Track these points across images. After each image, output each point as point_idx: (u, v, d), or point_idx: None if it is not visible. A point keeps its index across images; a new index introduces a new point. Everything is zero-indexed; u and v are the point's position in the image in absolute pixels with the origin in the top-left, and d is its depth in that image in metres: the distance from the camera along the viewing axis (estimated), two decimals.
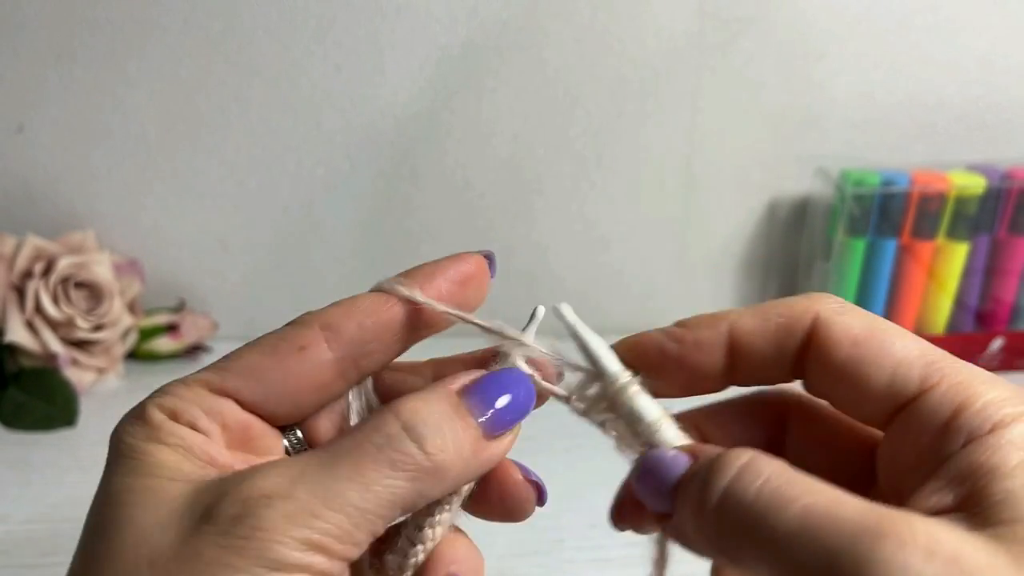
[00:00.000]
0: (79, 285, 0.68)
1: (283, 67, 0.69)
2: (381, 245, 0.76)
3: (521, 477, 0.27)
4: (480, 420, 0.25)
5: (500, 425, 0.25)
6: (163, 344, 0.73)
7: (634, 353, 0.28)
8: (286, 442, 0.28)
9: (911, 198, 0.69)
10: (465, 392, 0.25)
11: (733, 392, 0.29)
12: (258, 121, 0.71)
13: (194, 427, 0.25)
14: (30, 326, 0.67)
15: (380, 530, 0.23)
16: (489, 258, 0.29)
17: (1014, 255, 0.72)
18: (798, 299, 0.26)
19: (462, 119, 0.72)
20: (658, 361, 0.27)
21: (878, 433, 0.26)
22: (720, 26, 0.70)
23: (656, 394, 0.27)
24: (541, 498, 0.28)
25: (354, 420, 0.28)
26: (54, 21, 0.67)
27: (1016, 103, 0.75)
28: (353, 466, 0.23)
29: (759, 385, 0.27)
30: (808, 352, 0.25)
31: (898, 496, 0.23)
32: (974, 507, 0.21)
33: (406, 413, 0.24)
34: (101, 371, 0.70)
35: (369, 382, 0.29)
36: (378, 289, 0.27)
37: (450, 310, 0.27)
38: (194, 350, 0.74)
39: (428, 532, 0.26)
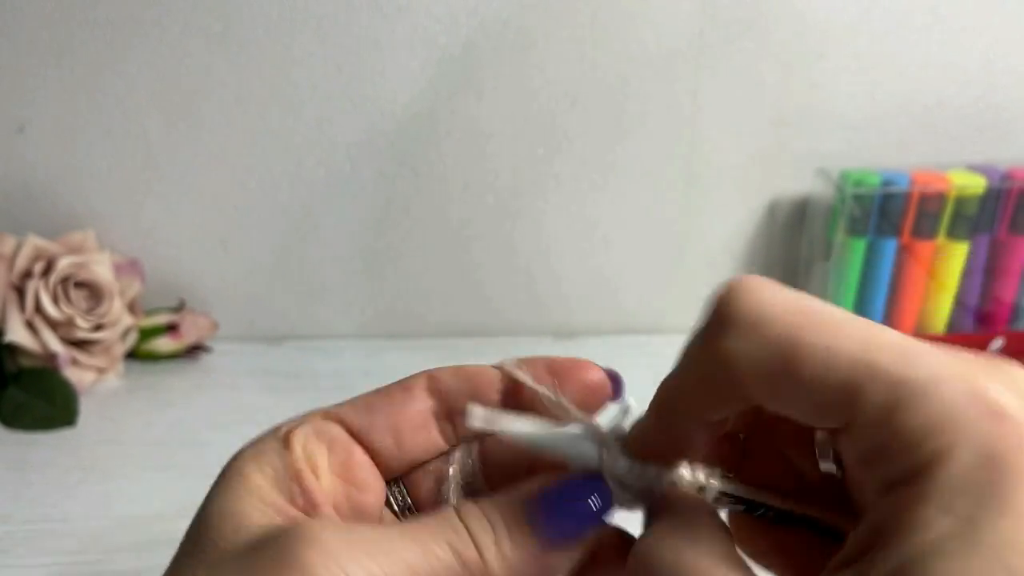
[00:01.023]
0: (79, 285, 0.68)
1: (283, 67, 0.69)
2: (381, 245, 0.76)
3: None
4: (542, 533, 0.24)
5: (565, 537, 0.25)
6: (163, 344, 0.73)
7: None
8: (390, 495, 0.28)
9: (911, 198, 0.69)
10: (533, 500, 0.25)
11: None
12: (258, 121, 0.71)
13: (304, 449, 0.26)
14: (30, 326, 0.67)
15: None
16: (614, 379, 0.28)
17: (1014, 255, 0.72)
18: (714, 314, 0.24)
19: (462, 119, 0.72)
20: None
21: None
22: (720, 26, 0.70)
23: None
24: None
25: (454, 482, 0.28)
26: (54, 21, 0.67)
27: (1016, 103, 0.75)
28: (419, 535, 0.23)
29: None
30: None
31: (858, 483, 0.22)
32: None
33: (469, 519, 0.24)
34: (101, 371, 0.70)
35: (475, 450, 0.29)
36: (496, 366, 0.28)
37: (549, 392, 0.27)
38: (194, 350, 0.74)
39: None
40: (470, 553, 0.24)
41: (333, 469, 0.26)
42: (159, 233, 0.75)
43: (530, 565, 0.24)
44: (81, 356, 0.69)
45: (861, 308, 0.73)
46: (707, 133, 0.74)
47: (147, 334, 0.73)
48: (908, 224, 0.70)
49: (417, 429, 0.28)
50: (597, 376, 0.28)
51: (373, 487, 0.27)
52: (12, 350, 0.67)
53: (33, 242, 0.68)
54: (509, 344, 0.78)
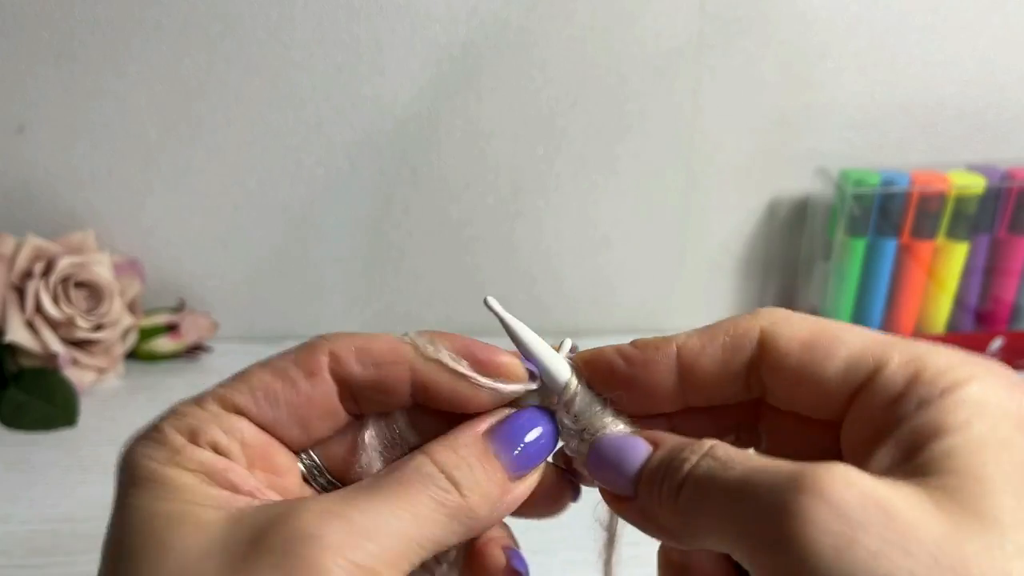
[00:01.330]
0: (79, 285, 0.68)
1: (283, 67, 0.69)
2: (381, 245, 0.76)
3: (504, 562, 0.28)
4: (505, 462, 0.26)
5: (524, 465, 0.27)
6: (163, 344, 0.73)
7: (589, 368, 0.28)
8: (301, 465, 0.28)
9: (911, 198, 0.69)
10: (491, 434, 0.26)
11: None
12: (258, 121, 0.71)
13: (215, 447, 0.25)
14: (30, 326, 0.67)
15: (417, 563, 0.24)
16: (532, 375, 0.28)
17: (1014, 255, 0.72)
18: (744, 316, 0.27)
19: (462, 119, 0.72)
20: (610, 379, 0.27)
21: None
22: (720, 26, 0.70)
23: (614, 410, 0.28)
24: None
25: (372, 451, 0.28)
26: (54, 21, 0.67)
27: (1016, 103, 0.75)
28: (403, 497, 0.24)
29: (716, 404, 0.27)
30: (761, 365, 0.26)
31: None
32: (915, 462, 0.21)
33: (441, 458, 0.25)
34: (101, 371, 0.70)
35: (404, 419, 0.28)
36: (404, 338, 0.27)
37: (460, 368, 0.27)
38: (194, 350, 0.74)
39: None
40: (453, 499, 0.24)
41: (250, 464, 0.25)
42: (159, 233, 0.75)
43: (502, 496, 0.26)
44: (81, 356, 0.69)
45: (861, 308, 0.73)
46: (707, 133, 0.74)
47: (147, 334, 0.73)
48: (908, 224, 0.70)
49: (324, 416, 0.27)
50: (509, 362, 0.28)
51: (290, 468, 0.27)
52: (12, 350, 0.67)
53: (33, 242, 0.68)
54: (509, 344, 0.77)
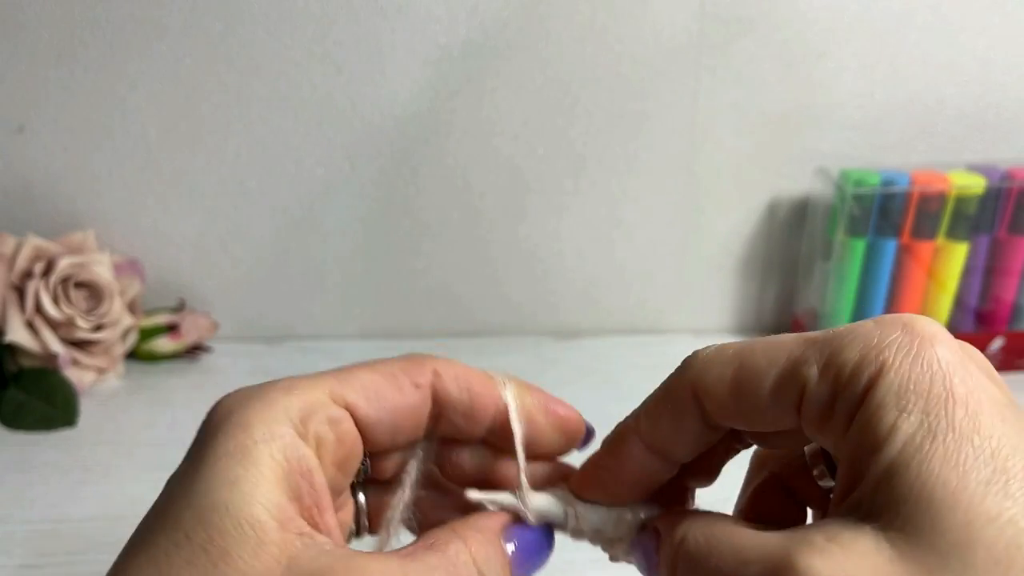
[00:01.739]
0: (79, 285, 0.68)
1: (283, 67, 0.69)
2: (381, 245, 0.76)
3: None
4: (515, 565, 0.27)
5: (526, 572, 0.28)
6: (163, 344, 0.73)
7: (587, 488, 0.29)
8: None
9: (911, 198, 0.69)
10: (510, 535, 0.28)
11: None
12: (258, 121, 0.71)
13: (318, 440, 0.25)
14: (30, 326, 0.67)
15: None
16: (589, 432, 0.32)
17: (1014, 255, 0.72)
18: (675, 375, 0.26)
19: (462, 119, 0.72)
20: (596, 490, 0.29)
21: None
22: (720, 26, 0.70)
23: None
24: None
25: (410, 481, 0.30)
26: (55, 21, 0.67)
27: (1016, 103, 0.75)
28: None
29: (701, 452, 0.27)
30: (708, 416, 0.25)
31: None
32: (865, 494, 0.20)
33: (475, 550, 0.26)
34: (101, 371, 0.70)
35: (434, 444, 0.30)
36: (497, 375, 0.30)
37: (518, 433, 0.29)
38: (194, 350, 0.74)
39: None
40: None
41: (335, 462, 0.26)
42: (159, 233, 0.75)
43: None
44: (81, 356, 0.69)
45: (861, 308, 0.73)
46: (707, 133, 0.74)
47: (147, 334, 0.73)
48: (908, 224, 0.70)
49: (413, 426, 0.28)
50: (577, 423, 0.31)
51: (354, 469, 0.28)
52: (12, 350, 0.67)
53: (33, 242, 0.68)
54: (510, 344, 0.78)
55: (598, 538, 0.30)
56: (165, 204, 0.74)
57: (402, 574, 0.23)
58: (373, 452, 0.29)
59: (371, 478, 0.30)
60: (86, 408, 0.66)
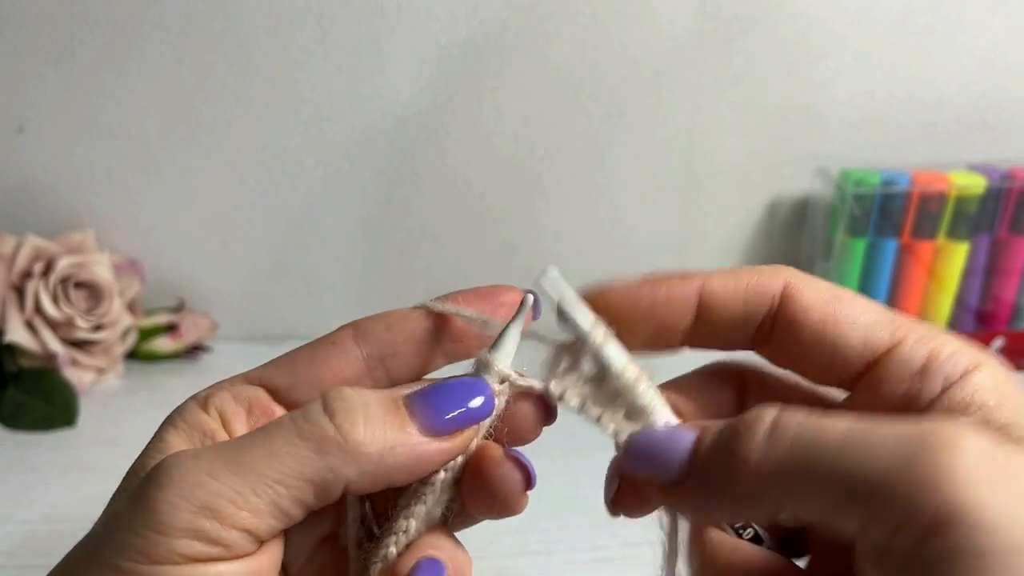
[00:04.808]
0: (79, 285, 0.68)
1: (283, 67, 0.69)
2: (381, 245, 0.76)
3: (501, 453, 0.26)
4: (418, 416, 0.25)
5: (441, 424, 0.25)
6: (163, 344, 0.73)
7: (602, 302, 0.27)
8: None
9: (911, 198, 0.69)
10: (412, 395, 0.25)
11: (692, 365, 0.29)
12: (258, 121, 0.71)
13: (220, 411, 0.26)
14: (30, 326, 0.67)
15: (288, 504, 0.23)
16: (536, 299, 0.30)
17: (1014, 255, 0.72)
18: (767, 268, 0.27)
19: (462, 119, 0.72)
20: (626, 313, 0.27)
21: (832, 398, 0.27)
22: (720, 26, 0.70)
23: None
24: (529, 479, 0.26)
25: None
26: (54, 21, 0.67)
27: (1016, 103, 0.75)
28: (264, 434, 0.23)
29: (716, 348, 0.27)
30: (778, 317, 0.26)
31: None
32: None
33: (331, 391, 0.24)
34: (101, 371, 0.70)
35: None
36: (419, 306, 0.29)
37: (464, 312, 0.28)
38: (194, 350, 0.74)
39: (401, 523, 0.26)
40: (312, 429, 0.23)
41: (252, 425, 0.26)
42: (159, 233, 0.75)
43: (402, 441, 0.24)
44: (81, 356, 0.69)
45: None
46: (707, 133, 0.74)
47: (147, 334, 0.73)
48: (908, 224, 0.70)
49: (343, 382, 0.27)
50: (514, 297, 0.30)
51: None
52: (12, 350, 0.67)
53: (33, 242, 0.68)
54: None
55: (600, 393, 0.27)
56: (165, 204, 0.74)
57: (212, 449, 0.23)
58: None
59: None
60: (86, 408, 0.66)
